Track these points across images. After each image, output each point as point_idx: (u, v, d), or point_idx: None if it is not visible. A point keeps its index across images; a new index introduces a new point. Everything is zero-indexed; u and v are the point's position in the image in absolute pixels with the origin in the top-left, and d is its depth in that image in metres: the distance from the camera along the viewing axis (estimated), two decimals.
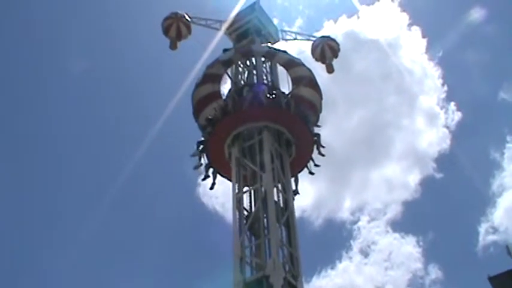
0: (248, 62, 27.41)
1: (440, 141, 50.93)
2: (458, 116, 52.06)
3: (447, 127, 51.87)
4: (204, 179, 25.27)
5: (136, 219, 50.09)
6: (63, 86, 53.20)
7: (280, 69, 27.18)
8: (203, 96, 26.74)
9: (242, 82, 26.85)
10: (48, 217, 50.25)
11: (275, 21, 30.59)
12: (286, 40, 30.07)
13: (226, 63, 26.74)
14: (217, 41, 28.61)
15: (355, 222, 51.80)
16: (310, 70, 26.70)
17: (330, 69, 28.41)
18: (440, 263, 48.85)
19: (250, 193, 23.35)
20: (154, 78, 51.36)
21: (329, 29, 44.88)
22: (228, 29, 29.11)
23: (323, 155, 25.29)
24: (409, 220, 51.67)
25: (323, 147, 25.21)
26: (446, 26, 55.05)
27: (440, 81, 52.80)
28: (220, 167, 25.18)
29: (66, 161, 52.53)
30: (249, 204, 23.21)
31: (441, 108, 53.64)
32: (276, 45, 28.99)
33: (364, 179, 50.73)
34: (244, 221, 22.35)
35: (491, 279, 22.17)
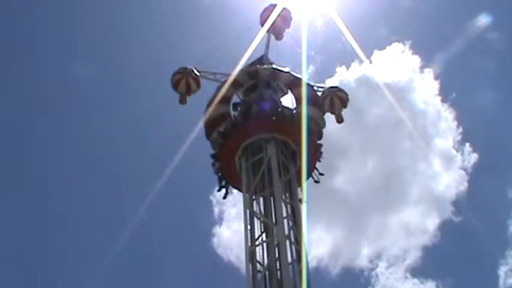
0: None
1: (457, 184, 50.27)
2: (474, 157, 51.62)
3: (464, 169, 51.42)
4: (219, 190, 27.49)
5: (149, 270, 50.30)
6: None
7: None
8: (214, 118, 28.77)
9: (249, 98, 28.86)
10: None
11: (286, 69, 30.41)
12: None
13: (234, 84, 29.06)
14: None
15: (373, 269, 51.03)
16: (312, 88, 29.02)
17: (340, 119, 28.63)
18: None
19: (262, 246, 24.19)
20: (164, 127, 51.05)
21: (341, 74, 45.43)
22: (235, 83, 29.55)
23: (319, 161, 27.53)
24: (428, 265, 50.71)
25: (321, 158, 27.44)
26: (459, 68, 55.25)
27: (455, 123, 52.26)
28: (231, 178, 27.35)
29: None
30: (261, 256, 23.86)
31: (457, 151, 52.23)
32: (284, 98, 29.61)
33: (382, 225, 49.94)
34: (258, 274, 23.23)
35: None
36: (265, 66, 29.62)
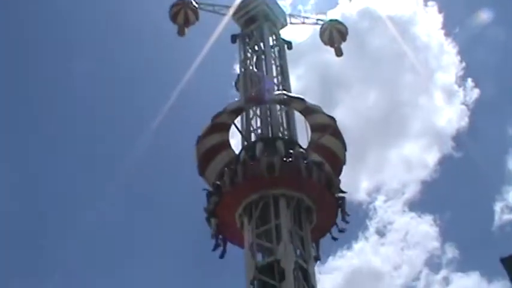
0: (260, 110, 23.89)
1: (458, 119, 50.58)
2: (476, 92, 50.83)
3: (465, 104, 51.06)
4: (214, 249, 22.10)
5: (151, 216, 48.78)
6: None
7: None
8: (210, 147, 23.40)
9: (253, 134, 23.45)
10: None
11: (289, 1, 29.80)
12: (294, 24, 28.63)
13: (235, 112, 23.30)
14: (225, 26, 27.84)
15: (372, 202, 51.18)
16: (332, 117, 23.19)
17: (339, 53, 28.37)
18: (457, 242, 48.84)
19: None
20: (163, 63, 50.07)
21: (344, 6, 42.81)
22: (235, 14, 27.65)
23: (347, 222, 22.06)
24: (427, 199, 51.14)
25: (348, 214, 21.94)
26: (463, 1, 54.50)
27: (458, 57, 51.35)
28: (231, 236, 22.07)
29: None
30: None
31: (459, 86, 51.61)
32: (284, 30, 28.08)
33: (381, 158, 50.45)
34: None
35: (503, 260, 20.78)
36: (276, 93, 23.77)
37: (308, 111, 23.15)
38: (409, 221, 52.02)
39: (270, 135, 22.98)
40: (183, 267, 46.63)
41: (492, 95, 52.52)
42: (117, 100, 52.01)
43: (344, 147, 23.38)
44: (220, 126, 23.32)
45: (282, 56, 26.65)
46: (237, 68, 26.70)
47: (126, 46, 51.86)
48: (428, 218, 51.52)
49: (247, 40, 27.20)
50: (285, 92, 23.70)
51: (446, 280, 50.71)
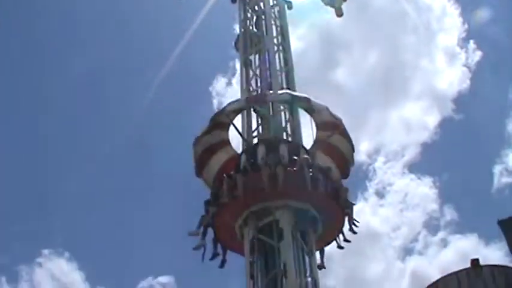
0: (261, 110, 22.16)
1: (460, 81, 50.54)
2: (478, 55, 50.40)
3: (467, 66, 50.35)
4: (212, 258, 20.81)
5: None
6: None
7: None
8: (208, 147, 21.91)
9: (254, 135, 21.85)
10: None
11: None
12: None
13: (235, 111, 21.60)
14: None
15: (371, 164, 51.14)
16: (339, 117, 21.50)
17: (339, 13, 27.56)
18: (456, 205, 48.95)
19: None
20: (163, 22, 48.85)
21: None
22: None
23: (355, 233, 20.68)
24: (426, 162, 51.08)
25: (356, 225, 20.54)
26: None
27: (460, 19, 51.01)
28: (231, 245, 20.74)
29: None
30: None
31: (461, 48, 51.70)
32: None
33: (381, 120, 50.33)
34: None
35: (500, 222, 21.49)
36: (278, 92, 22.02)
37: (313, 109, 21.47)
38: (409, 183, 52.24)
39: (273, 137, 21.30)
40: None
41: (494, 58, 52.00)
42: (117, 62, 51.52)
43: (352, 147, 21.89)
44: (218, 125, 21.73)
45: (282, 16, 25.57)
46: (237, 28, 25.85)
47: (127, 7, 50.62)
48: (427, 180, 51.94)
49: (247, 0, 25.98)
50: (289, 91, 21.83)
51: (444, 242, 50.93)
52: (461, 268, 23.25)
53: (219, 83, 49.77)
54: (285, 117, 22.00)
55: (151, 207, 48.78)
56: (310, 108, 21.45)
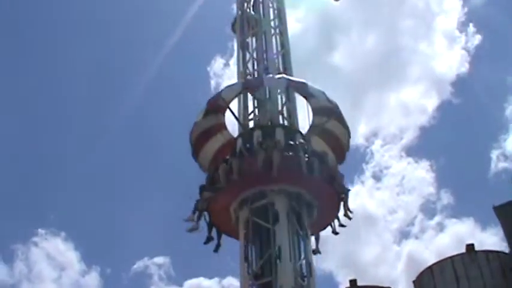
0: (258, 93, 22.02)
1: (458, 65, 49.04)
2: (478, 38, 52.76)
3: (466, 50, 53.14)
4: (206, 242, 20.85)
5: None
6: None
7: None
8: (204, 130, 21.79)
9: (250, 118, 21.78)
10: None
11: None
12: None
13: (232, 96, 21.44)
14: None
15: (369, 146, 52.54)
16: (335, 103, 21.36)
17: None
18: (453, 189, 49.20)
19: None
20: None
21: None
22: None
23: (350, 218, 20.69)
24: (424, 145, 52.71)
25: (351, 211, 20.52)
26: None
27: (460, 2, 49.38)
28: (225, 228, 20.75)
29: None
30: None
31: (460, 31, 50.09)
32: None
33: (379, 103, 51.43)
34: None
35: (496, 208, 21.44)
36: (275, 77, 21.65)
37: (310, 94, 21.32)
38: (406, 166, 52.15)
39: (269, 121, 21.21)
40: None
41: (493, 42, 51.78)
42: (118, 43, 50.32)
43: (348, 133, 21.75)
44: (215, 109, 21.57)
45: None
46: (235, 9, 25.43)
47: None
48: (424, 164, 51.83)
49: None
50: (285, 75, 21.64)
51: (441, 226, 51.17)
52: (457, 253, 23.32)
53: (217, 63, 49.74)
54: (282, 101, 21.85)
55: (148, 189, 48.98)
56: (307, 93, 21.31)
